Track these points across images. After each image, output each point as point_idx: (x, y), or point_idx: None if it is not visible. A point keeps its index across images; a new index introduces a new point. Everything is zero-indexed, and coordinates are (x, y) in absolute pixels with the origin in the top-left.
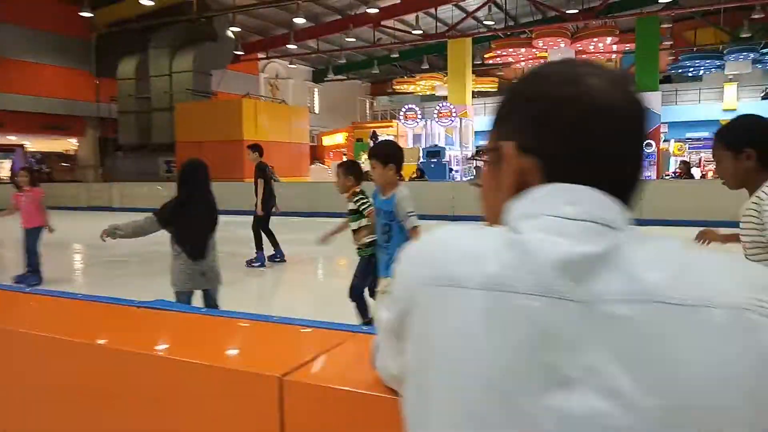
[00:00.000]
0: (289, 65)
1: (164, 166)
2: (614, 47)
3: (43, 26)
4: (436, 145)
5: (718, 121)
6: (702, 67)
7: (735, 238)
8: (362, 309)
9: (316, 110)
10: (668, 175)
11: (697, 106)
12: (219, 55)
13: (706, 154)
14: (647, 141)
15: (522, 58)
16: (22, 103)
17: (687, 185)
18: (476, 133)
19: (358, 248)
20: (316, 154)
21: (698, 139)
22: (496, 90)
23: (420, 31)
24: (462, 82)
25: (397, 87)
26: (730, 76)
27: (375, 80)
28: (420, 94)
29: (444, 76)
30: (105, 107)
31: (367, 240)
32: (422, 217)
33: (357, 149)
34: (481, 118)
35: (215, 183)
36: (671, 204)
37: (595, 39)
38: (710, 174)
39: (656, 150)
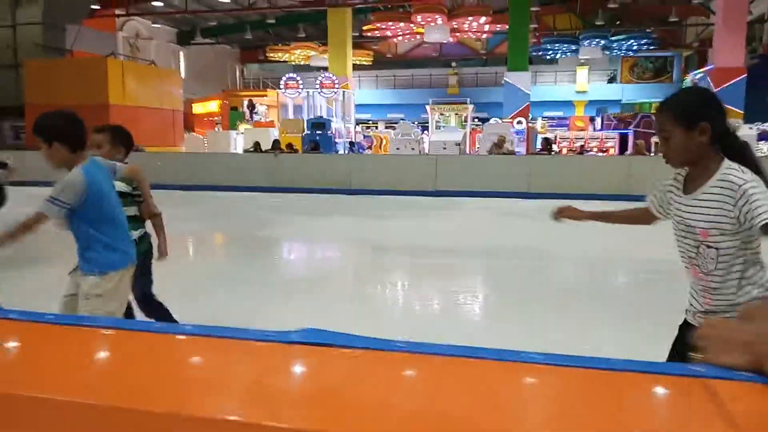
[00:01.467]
0: (151, 24)
1: (11, 131)
2: (486, 27)
3: None
4: (321, 117)
5: (571, 102)
6: (559, 51)
7: (597, 216)
8: (164, 312)
9: (182, 75)
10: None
11: (553, 87)
12: (73, 8)
13: (561, 132)
14: (519, 119)
15: (399, 33)
16: None
17: (574, 161)
18: (356, 106)
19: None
20: (185, 122)
21: (553, 118)
22: (370, 63)
23: None
24: (343, 53)
25: (271, 54)
26: (582, 61)
27: (246, 46)
28: (293, 63)
29: (320, 46)
30: None
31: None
32: (321, 191)
33: (233, 118)
34: (358, 91)
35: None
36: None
37: (470, 18)
38: (564, 150)
39: (526, 127)
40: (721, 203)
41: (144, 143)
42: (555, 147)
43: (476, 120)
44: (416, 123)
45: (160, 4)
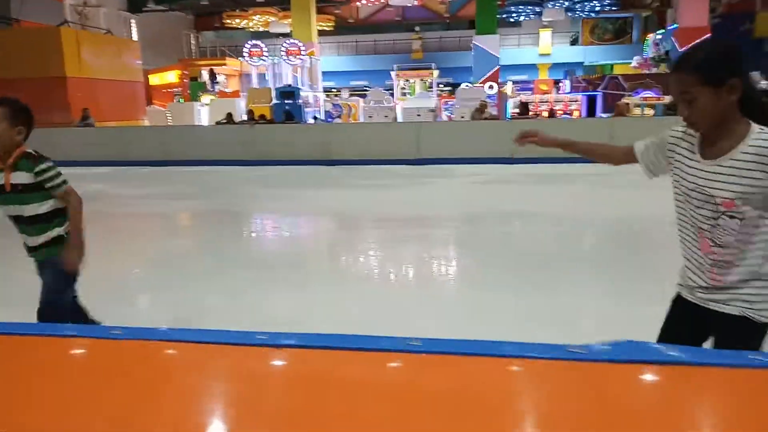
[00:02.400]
0: None
1: None
2: None
3: None
4: (290, 85)
5: (535, 65)
6: (523, 13)
7: (563, 144)
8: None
9: None
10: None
11: (517, 50)
12: None
13: (525, 95)
14: (489, 83)
15: None
16: None
17: (556, 124)
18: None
19: (41, 246)
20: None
21: (517, 82)
22: (332, 29)
23: None
24: (306, 17)
25: (228, 21)
26: (546, 23)
27: (200, 12)
28: (251, 30)
29: (280, 12)
30: None
31: (58, 232)
32: (301, 162)
33: (194, 89)
34: (324, 58)
35: (38, 129)
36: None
37: None
38: (530, 114)
39: (497, 92)
40: (754, 171)
41: (105, 118)
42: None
43: (440, 86)
44: (382, 90)
45: None
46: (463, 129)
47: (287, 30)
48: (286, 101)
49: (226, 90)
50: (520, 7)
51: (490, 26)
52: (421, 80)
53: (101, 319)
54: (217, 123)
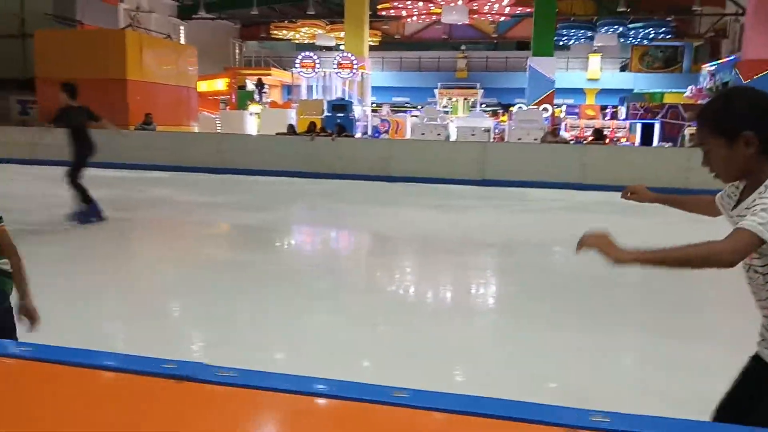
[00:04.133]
0: None
1: (18, 106)
2: (507, 9)
3: None
4: (343, 99)
5: (582, 89)
6: (574, 37)
7: (666, 200)
8: None
9: None
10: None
11: (564, 73)
12: None
13: (571, 120)
14: (544, 106)
15: (415, 12)
16: None
17: (629, 151)
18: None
19: None
20: None
21: (565, 106)
22: (377, 44)
23: None
24: (360, 32)
25: (275, 32)
26: (596, 48)
27: (247, 22)
28: (296, 42)
29: (328, 25)
30: None
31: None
32: (361, 177)
33: (242, 98)
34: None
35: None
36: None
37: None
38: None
39: (551, 115)
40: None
41: (160, 122)
42: (567, 134)
43: (484, 105)
44: (421, 107)
45: None
46: (531, 151)
47: (333, 43)
48: (338, 114)
49: (269, 100)
50: (572, 30)
51: (546, 48)
52: (465, 99)
53: None
54: (278, 134)
